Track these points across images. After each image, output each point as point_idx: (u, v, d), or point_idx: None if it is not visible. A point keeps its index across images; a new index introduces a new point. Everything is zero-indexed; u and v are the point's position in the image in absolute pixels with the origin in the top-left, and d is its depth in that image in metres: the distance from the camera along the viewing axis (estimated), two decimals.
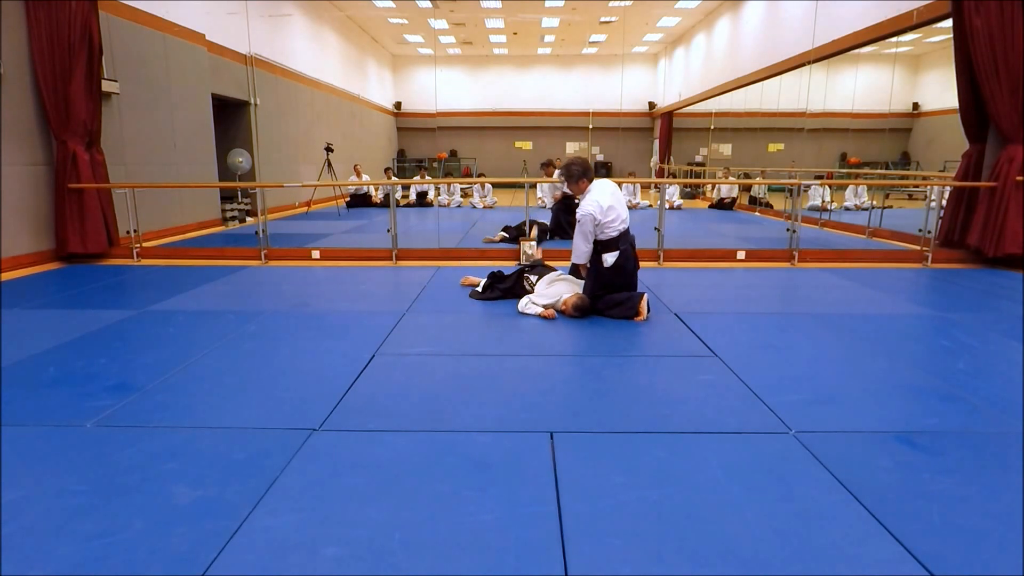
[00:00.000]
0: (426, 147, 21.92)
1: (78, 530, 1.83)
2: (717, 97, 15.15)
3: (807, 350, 3.58)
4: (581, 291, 4.38)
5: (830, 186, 10.68)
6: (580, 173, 4.32)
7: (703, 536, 1.80)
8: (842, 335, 3.86)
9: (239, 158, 9.96)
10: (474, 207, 13.05)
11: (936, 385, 3.02)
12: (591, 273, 4.32)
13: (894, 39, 8.94)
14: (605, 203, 4.18)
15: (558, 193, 8.54)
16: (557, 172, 7.69)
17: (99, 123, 6.70)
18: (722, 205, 13.26)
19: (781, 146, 13.66)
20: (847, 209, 10.91)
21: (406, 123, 22.25)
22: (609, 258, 4.22)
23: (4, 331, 3.91)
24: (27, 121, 6.26)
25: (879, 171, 10.82)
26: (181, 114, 8.76)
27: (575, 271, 4.54)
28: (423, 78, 22.10)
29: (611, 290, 4.27)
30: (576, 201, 4.46)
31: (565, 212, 8.11)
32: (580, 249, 4.27)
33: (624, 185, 13.33)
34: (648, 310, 4.25)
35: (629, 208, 4.62)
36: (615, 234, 4.24)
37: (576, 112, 21.60)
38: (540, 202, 12.56)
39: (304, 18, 13.65)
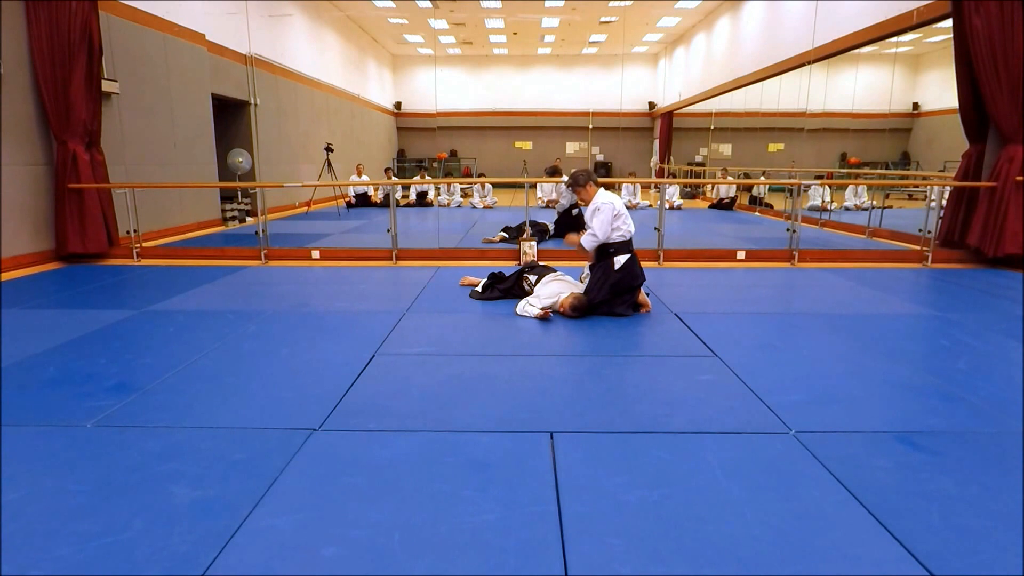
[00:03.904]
0: (426, 147, 21.91)
1: (78, 530, 1.83)
2: (717, 97, 15.14)
3: (807, 350, 3.58)
4: (580, 292, 4.39)
5: (830, 186, 10.68)
6: (586, 178, 4.47)
7: (703, 536, 1.80)
8: (842, 335, 3.86)
9: (239, 158, 9.96)
10: (474, 207, 13.05)
11: (936, 385, 3.02)
12: (600, 279, 4.32)
13: (894, 39, 8.94)
14: (619, 203, 4.37)
15: (564, 202, 8.40)
16: (564, 181, 7.71)
17: (99, 123, 6.70)
18: (722, 205, 13.26)
19: (781, 146, 13.66)
20: (847, 209, 10.90)
21: (406, 123, 22.24)
22: (621, 259, 4.30)
23: (4, 331, 3.91)
24: (27, 121, 6.26)
25: (879, 171, 10.81)
26: (181, 114, 8.76)
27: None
28: (423, 78, 22.10)
29: (621, 292, 4.30)
30: (579, 209, 4.57)
31: (568, 217, 8.07)
32: (595, 237, 4.33)
33: (624, 185, 13.33)
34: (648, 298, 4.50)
35: (629, 208, 4.78)
36: (628, 236, 4.37)
37: (576, 112, 21.59)
38: (540, 201, 12.58)
39: (304, 18, 13.65)
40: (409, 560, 1.70)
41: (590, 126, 21.53)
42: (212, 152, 9.63)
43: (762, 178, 13.24)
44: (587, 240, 4.39)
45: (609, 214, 4.29)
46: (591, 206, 4.40)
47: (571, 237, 4.60)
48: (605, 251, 4.35)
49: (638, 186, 13.58)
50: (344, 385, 2.99)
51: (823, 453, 2.30)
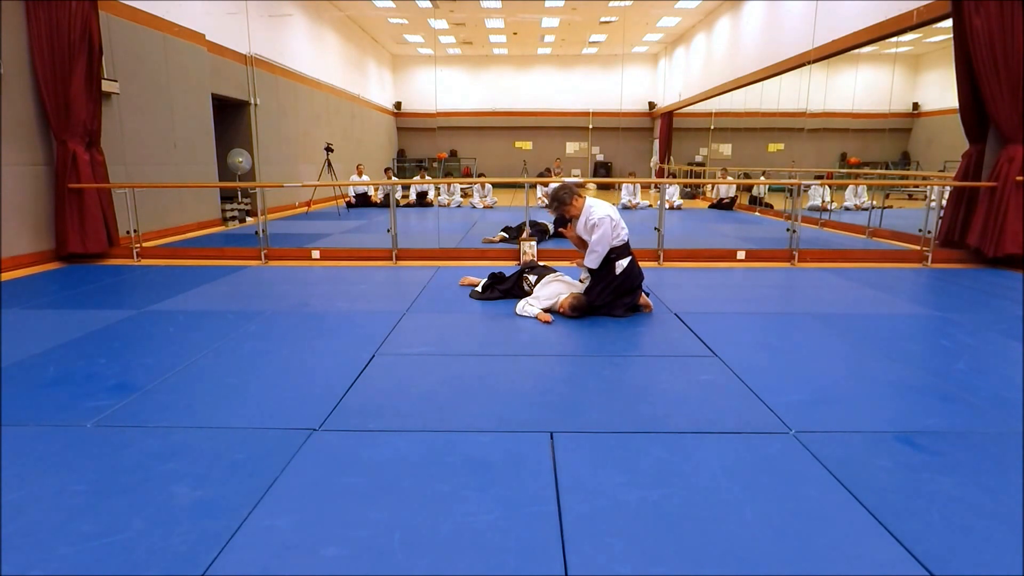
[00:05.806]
0: (426, 147, 21.91)
1: (78, 530, 1.83)
2: (717, 97, 15.14)
3: (807, 350, 3.58)
4: (580, 292, 4.38)
5: (830, 186, 10.68)
6: (570, 193, 4.32)
7: (703, 536, 1.80)
8: (842, 335, 3.86)
9: (239, 158, 9.96)
10: (474, 207, 13.05)
11: (936, 385, 3.02)
12: (602, 283, 4.28)
13: (894, 39, 8.94)
14: (614, 212, 4.28)
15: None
16: (549, 196, 7.72)
17: (99, 123, 6.70)
18: (722, 205, 13.26)
19: (781, 146, 13.66)
20: (847, 209, 10.91)
21: (406, 123, 22.24)
22: (623, 262, 4.26)
23: (4, 331, 3.91)
24: (27, 121, 6.25)
25: (879, 171, 10.82)
26: (181, 114, 8.76)
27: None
28: (423, 78, 22.10)
29: (623, 295, 4.28)
30: (569, 218, 4.43)
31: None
32: (597, 252, 4.24)
33: (624, 185, 13.33)
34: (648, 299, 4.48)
35: (629, 208, 4.72)
36: (626, 239, 4.32)
37: (576, 112, 21.59)
38: (540, 201, 12.58)
39: (304, 18, 13.65)
40: (409, 560, 1.70)
41: (590, 126, 21.53)
42: (212, 152, 9.62)
43: (762, 178, 13.24)
44: (590, 259, 4.27)
45: (608, 227, 4.19)
46: (584, 219, 4.28)
47: (572, 234, 4.48)
48: (607, 257, 4.29)
49: (638, 186, 13.59)
50: (344, 385, 2.99)
51: (823, 453, 2.29)
